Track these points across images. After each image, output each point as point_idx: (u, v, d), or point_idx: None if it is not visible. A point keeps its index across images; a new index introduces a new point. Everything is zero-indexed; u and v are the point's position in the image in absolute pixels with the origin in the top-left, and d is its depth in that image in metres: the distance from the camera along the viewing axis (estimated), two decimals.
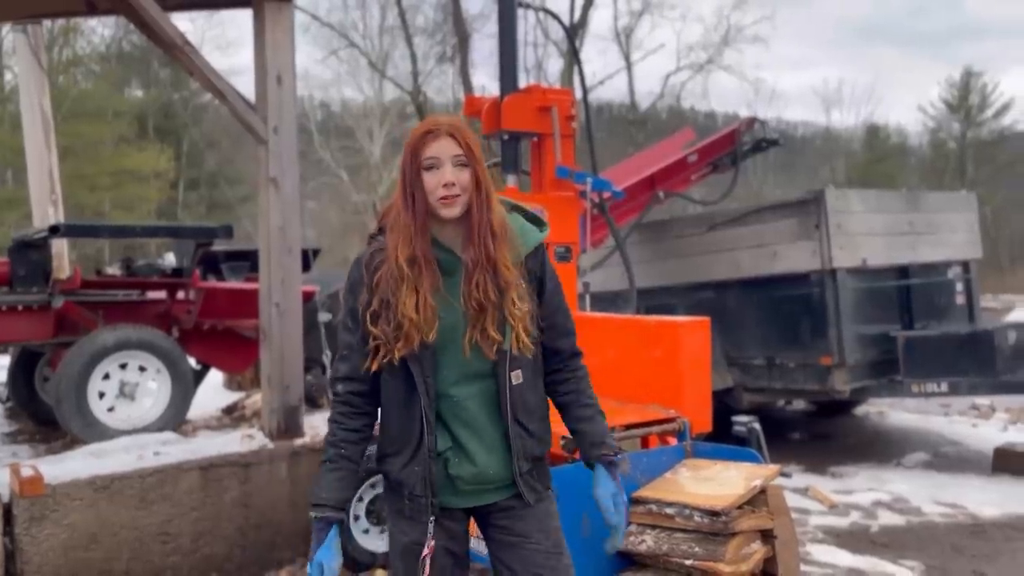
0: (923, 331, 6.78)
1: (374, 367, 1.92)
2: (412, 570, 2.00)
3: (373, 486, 4.39)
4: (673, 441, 3.22)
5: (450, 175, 1.84)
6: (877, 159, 38.01)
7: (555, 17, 4.81)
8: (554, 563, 2.05)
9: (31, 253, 5.07)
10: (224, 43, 37.09)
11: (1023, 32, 56.32)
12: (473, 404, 1.96)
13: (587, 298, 4.21)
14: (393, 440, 2.00)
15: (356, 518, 4.35)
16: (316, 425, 4.82)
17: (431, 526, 1.97)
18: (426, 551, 1.97)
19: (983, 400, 8.69)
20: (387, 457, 2.02)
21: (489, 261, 1.88)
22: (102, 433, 4.50)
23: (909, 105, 64.93)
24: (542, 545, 2.05)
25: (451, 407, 1.96)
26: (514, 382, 1.96)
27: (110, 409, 4.63)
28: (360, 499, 4.36)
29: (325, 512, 1.97)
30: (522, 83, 4.09)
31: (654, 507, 2.87)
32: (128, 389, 4.66)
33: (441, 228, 1.90)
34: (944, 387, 6.35)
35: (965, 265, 7.60)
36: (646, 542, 2.83)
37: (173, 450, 4.35)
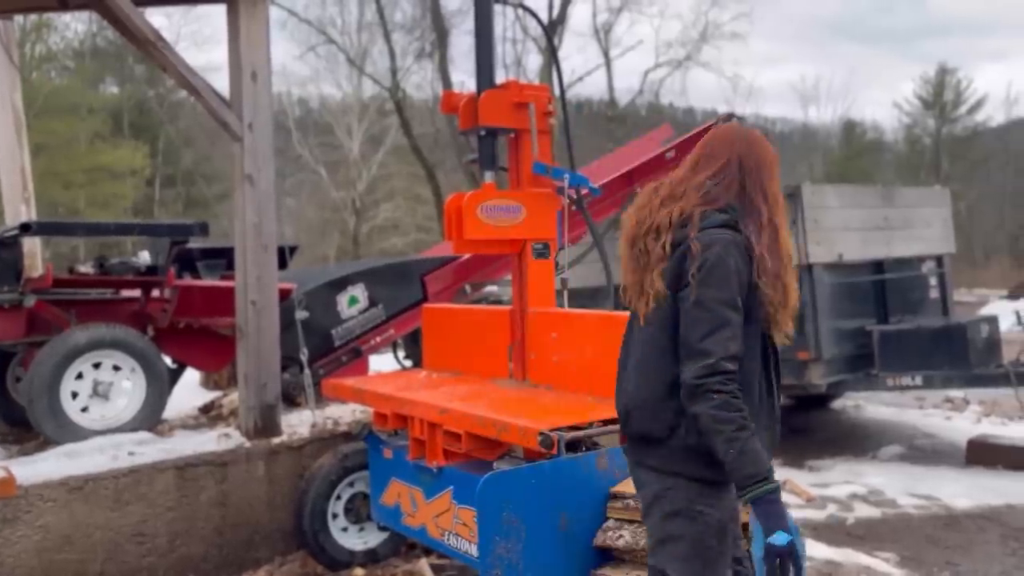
0: (898, 325, 6.86)
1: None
2: (727, 546, 2.14)
3: (351, 484, 4.38)
4: None
5: None
6: (854, 155, 38.39)
7: (532, 14, 4.80)
8: None
9: (1, 251, 4.99)
10: (201, 39, 36.70)
11: (986, 29, 57.15)
12: None
13: (565, 295, 4.21)
14: (751, 408, 2.07)
15: (335, 516, 4.34)
16: (293, 424, 4.79)
17: None
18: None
19: (957, 393, 8.80)
20: None
21: None
22: (75, 433, 4.43)
23: (879, 101, 65.62)
24: None
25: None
26: None
27: (84, 409, 4.56)
28: (338, 497, 4.35)
29: (776, 481, 1.98)
30: (500, 79, 4.07)
31: (632, 502, 2.88)
32: (102, 389, 4.59)
33: None
34: (918, 380, 6.43)
35: (939, 260, 7.70)
36: (624, 537, 2.84)
37: (148, 450, 4.31)
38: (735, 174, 2.22)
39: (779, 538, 1.93)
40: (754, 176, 2.23)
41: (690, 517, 2.12)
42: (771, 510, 1.96)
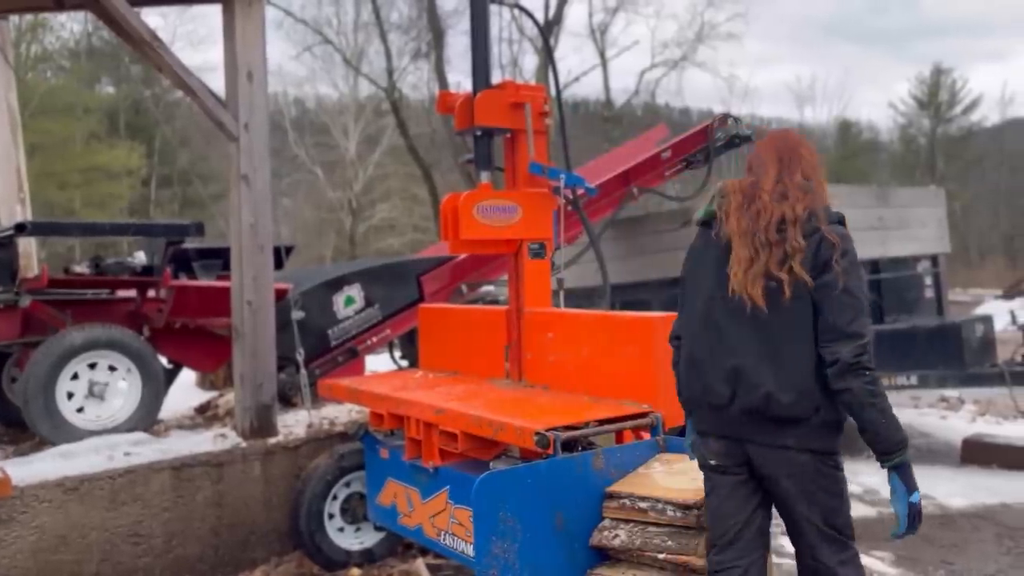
0: (893, 324, 6.87)
1: None
2: None
3: (348, 485, 4.38)
4: (647, 436, 3.24)
5: None
6: (850, 155, 38.44)
7: (528, 14, 4.82)
8: None
9: None
10: (197, 39, 36.54)
11: (980, 30, 57.18)
12: None
13: (561, 295, 4.22)
14: None
15: (331, 516, 4.34)
16: (289, 424, 4.79)
17: None
18: None
19: (952, 393, 8.81)
20: None
21: None
22: (71, 434, 4.43)
23: (873, 102, 65.63)
24: None
25: None
26: None
27: (79, 410, 4.55)
28: (335, 497, 4.35)
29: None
30: (496, 79, 4.08)
31: (627, 502, 2.88)
32: (98, 389, 4.58)
33: None
34: (914, 380, 6.45)
35: (934, 259, 7.71)
36: (620, 536, 2.84)
37: (144, 450, 4.30)
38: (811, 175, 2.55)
39: (916, 496, 2.32)
40: (817, 177, 2.55)
41: (836, 469, 2.45)
42: (910, 472, 2.33)
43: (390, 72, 24.39)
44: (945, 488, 5.71)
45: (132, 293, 5.36)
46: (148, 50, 4.39)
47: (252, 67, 4.60)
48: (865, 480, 6.00)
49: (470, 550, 3.26)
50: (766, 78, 62.90)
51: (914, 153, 39.22)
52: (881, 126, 43.78)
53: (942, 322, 6.83)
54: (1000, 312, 12.63)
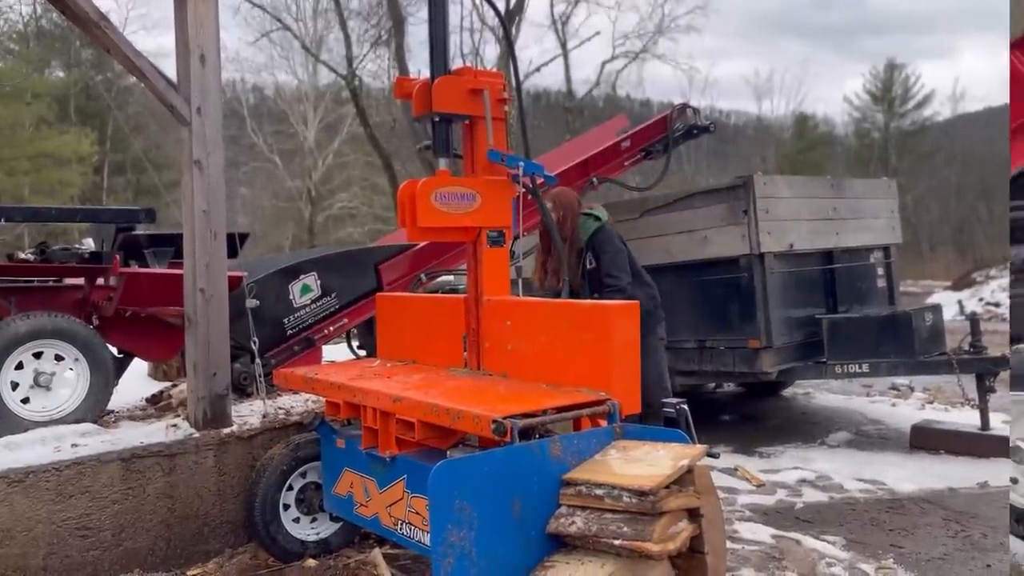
0: (846, 314, 6.99)
1: None
2: None
3: (303, 475, 4.33)
4: (603, 423, 3.24)
5: None
6: (807, 148, 39.03)
7: (490, 3, 4.77)
8: None
9: None
10: (151, 23, 35.61)
11: (923, 27, 57.98)
12: None
13: (519, 283, 4.20)
14: None
15: (286, 507, 4.28)
16: (244, 414, 4.71)
17: None
18: None
19: (902, 380, 9.02)
20: None
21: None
22: (16, 425, 4.30)
23: (825, 99, 66.33)
24: None
25: None
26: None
27: (24, 400, 4.42)
28: (290, 488, 4.29)
29: None
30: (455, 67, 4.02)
31: (584, 489, 2.88)
32: (44, 379, 4.45)
33: None
34: (865, 368, 6.56)
35: (886, 250, 7.85)
36: (576, 524, 2.85)
37: (92, 441, 4.20)
38: None
39: None
40: None
41: None
42: None
43: (350, 60, 24.15)
44: (895, 473, 5.84)
45: (80, 281, 5.22)
46: (96, 31, 4.26)
47: (205, 49, 4.49)
48: (817, 466, 6.11)
49: (427, 539, 3.24)
50: (725, 71, 63.21)
51: (868, 147, 39.94)
52: (837, 120, 44.50)
53: (893, 311, 6.96)
54: (949, 303, 12.97)
